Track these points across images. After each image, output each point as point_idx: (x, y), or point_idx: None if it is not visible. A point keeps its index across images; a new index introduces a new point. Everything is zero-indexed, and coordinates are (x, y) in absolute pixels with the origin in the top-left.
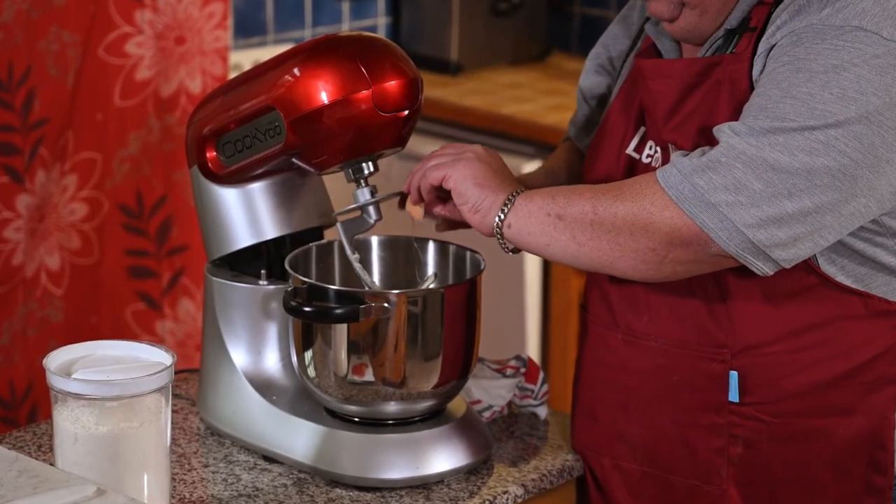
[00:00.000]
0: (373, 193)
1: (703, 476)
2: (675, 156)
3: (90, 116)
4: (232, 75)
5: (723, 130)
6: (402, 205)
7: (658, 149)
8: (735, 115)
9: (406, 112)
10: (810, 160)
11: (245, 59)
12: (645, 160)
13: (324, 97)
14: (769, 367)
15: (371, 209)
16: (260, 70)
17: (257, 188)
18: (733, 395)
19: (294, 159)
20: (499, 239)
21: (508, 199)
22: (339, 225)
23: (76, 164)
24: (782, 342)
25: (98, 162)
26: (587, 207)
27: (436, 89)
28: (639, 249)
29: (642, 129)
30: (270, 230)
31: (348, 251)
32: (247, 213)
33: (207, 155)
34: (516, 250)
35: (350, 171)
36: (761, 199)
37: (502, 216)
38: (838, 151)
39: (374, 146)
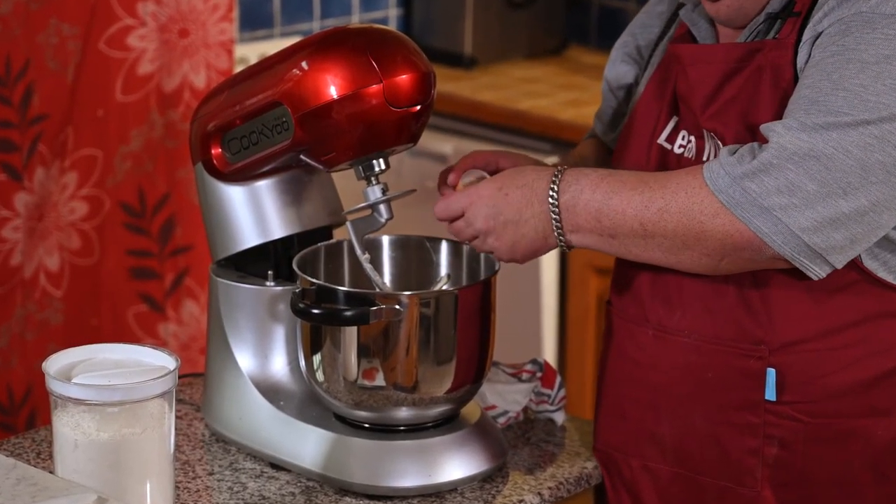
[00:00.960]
0: (384, 191)
1: (735, 477)
2: (723, 155)
3: (91, 112)
4: (237, 69)
5: (773, 130)
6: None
7: (692, 138)
8: (777, 102)
9: (418, 107)
10: (865, 156)
11: (251, 52)
12: (677, 150)
13: (333, 92)
14: (808, 364)
15: (382, 208)
16: (267, 64)
17: (264, 186)
18: (770, 394)
19: (302, 156)
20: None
21: (559, 240)
22: (348, 224)
23: (76, 162)
24: (822, 339)
25: (99, 159)
26: (636, 226)
27: (449, 84)
28: (693, 257)
29: (675, 119)
30: (278, 229)
31: (358, 251)
32: (253, 212)
33: (212, 152)
34: None
35: (360, 168)
36: (816, 199)
37: (562, 241)
38: (893, 146)
39: (385, 142)
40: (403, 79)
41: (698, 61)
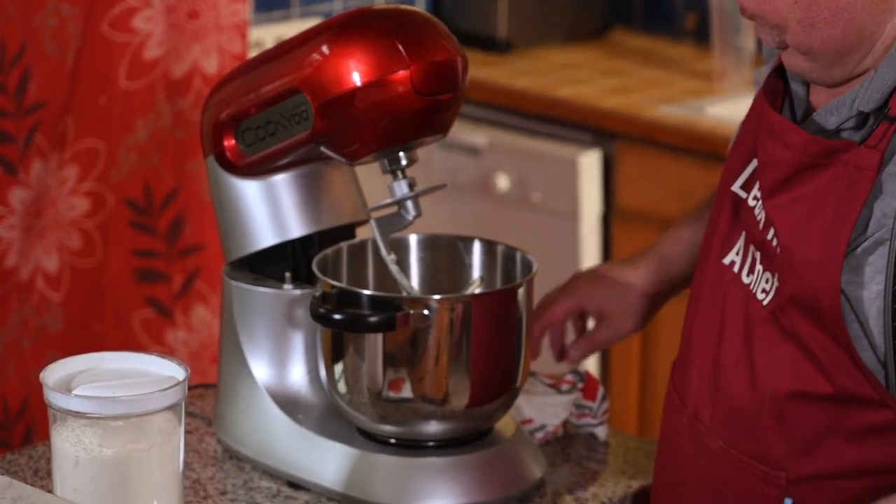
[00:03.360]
0: (411, 186)
1: None
2: None
3: (92, 100)
4: (252, 54)
5: None
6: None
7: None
8: (838, 218)
9: (448, 95)
10: None
11: (267, 35)
12: (751, 202)
13: (356, 78)
14: (830, 500)
15: (409, 204)
16: (284, 48)
17: (281, 180)
18: None
19: (322, 148)
20: None
21: None
22: (373, 222)
23: (77, 154)
24: (848, 478)
25: (101, 151)
26: None
27: (482, 70)
28: None
29: (755, 163)
30: (296, 228)
31: (383, 252)
32: (269, 209)
33: (225, 143)
34: None
35: (385, 161)
36: None
37: None
38: None
39: (413, 133)
40: (432, 64)
41: (779, 139)
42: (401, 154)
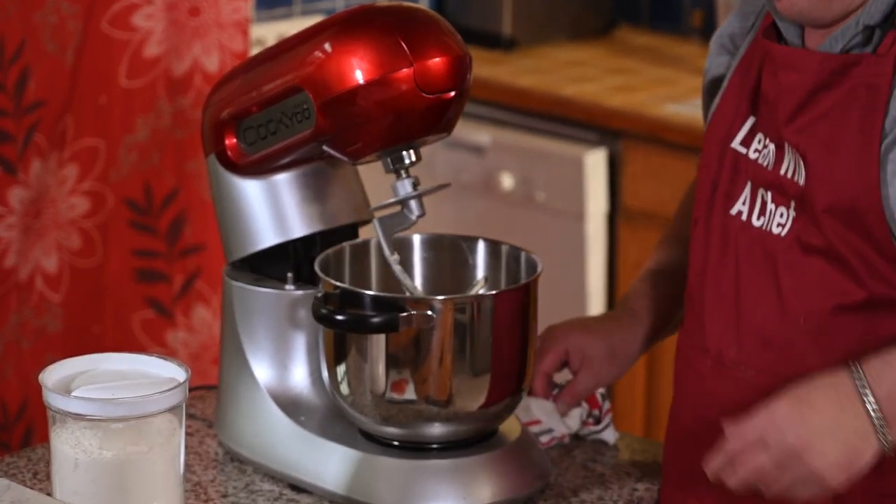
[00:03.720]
0: (415, 186)
1: None
2: None
3: (92, 99)
4: (254, 52)
5: None
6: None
7: (770, 145)
8: (868, 125)
9: (452, 93)
10: None
11: (268, 32)
12: (752, 154)
13: (358, 76)
14: None
15: (413, 204)
16: (286, 45)
17: (283, 179)
18: None
19: (325, 147)
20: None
21: (882, 437)
22: (376, 221)
23: (76, 153)
24: None
25: (101, 150)
26: None
27: (486, 67)
28: None
29: (752, 119)
30: (298, 227)
31: (386, 252)
32: (271, 208)
33: (226, 142)
34: None
35: (389, 160)
36: None
37: (886, 441)
38: None
39: (416, 132)
40: (436, 62)
41: (790, 66)
42: (404, 153)
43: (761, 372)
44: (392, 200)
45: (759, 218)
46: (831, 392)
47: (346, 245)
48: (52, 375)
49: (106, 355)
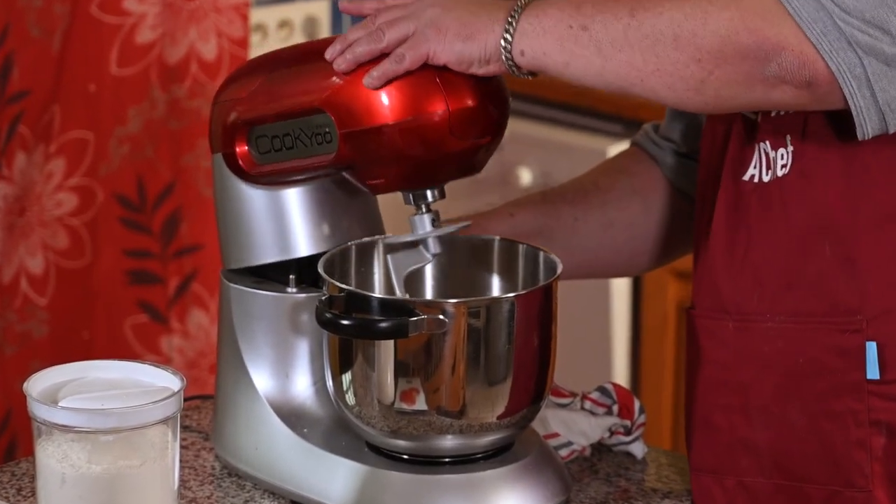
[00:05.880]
0: (434, 221)
1: (844, 478)
2: None
3: (81, 87)
4: (253, 38)
5: None
6: None
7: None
8: None
9: (487, 139)
10: None
11: (269, 17)
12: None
13: (388, 113)
14: None
15: (430, 241)
16: (313, 53)
17: (293, 194)
18: (872, 372)
19: (345, 174)
20: (512, 71)
21: (510, 18)
22: (389, 258)
23: (64, 146)
24: None
25: (90, 143)
26: (623, 12)
27: None
28: (679, 61)
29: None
30: (303, 246)
31: (398, 290)
32: (276, 222)
33: (237, 147)
34: (534, 73)
35: (410, 195)
36: None
37: (508, 41)
38: None
39: (444, 176)
40: (474, 108)
41: None
42: (428, 191)
43: (792, 315)
44: (409, 238)
45: (767, 172)
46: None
47: (352, 244)
48: (38, 384)
49: (95, 363)
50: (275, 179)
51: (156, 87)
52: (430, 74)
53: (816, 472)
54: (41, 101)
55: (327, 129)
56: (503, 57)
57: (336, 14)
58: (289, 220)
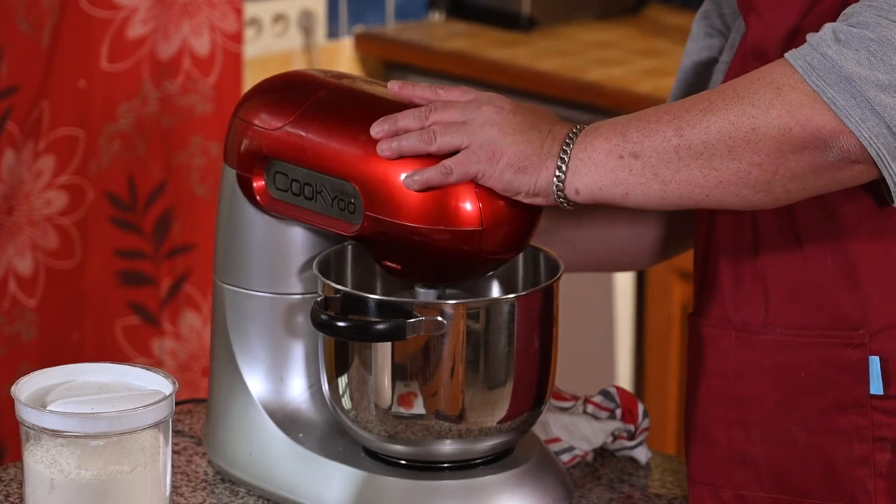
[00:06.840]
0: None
1: (845, 494)
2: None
3: (71, 83)
4: (248, 32)
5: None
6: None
7: None
8: None
9: (513, 254)
10: None
11: (264, 12)
12: None
13: (419, 215)
14: None
15: None
16: (361, 105)
17: (298, 232)
18: (875, 387)
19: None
20: (562, 205)
21: (563, 154)
22: None
23: (53, 143)
24: None
25: (80, 140)
26: (670, 132)
27: (504, 50)
28: (740, 170)
29: None
30: (297, 286)
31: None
32: (275, 257)
33: (253, 178)
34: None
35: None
36: None
37: (560, 179)
38: None
39: (460, 278)
40: (508, 227)
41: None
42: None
43: (794, 328)
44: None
45: None
46: (541, 114)
47: (349, 244)
48: (26, 388)
49: (85, 366)
50: (284, 215)
51: (147, 83)
52: (470, 188)
53: (817, 487)
54: (30, 97)
55: (353, 201)
56: (555, 195)
57: (332, 8)
58: (288, 258)
